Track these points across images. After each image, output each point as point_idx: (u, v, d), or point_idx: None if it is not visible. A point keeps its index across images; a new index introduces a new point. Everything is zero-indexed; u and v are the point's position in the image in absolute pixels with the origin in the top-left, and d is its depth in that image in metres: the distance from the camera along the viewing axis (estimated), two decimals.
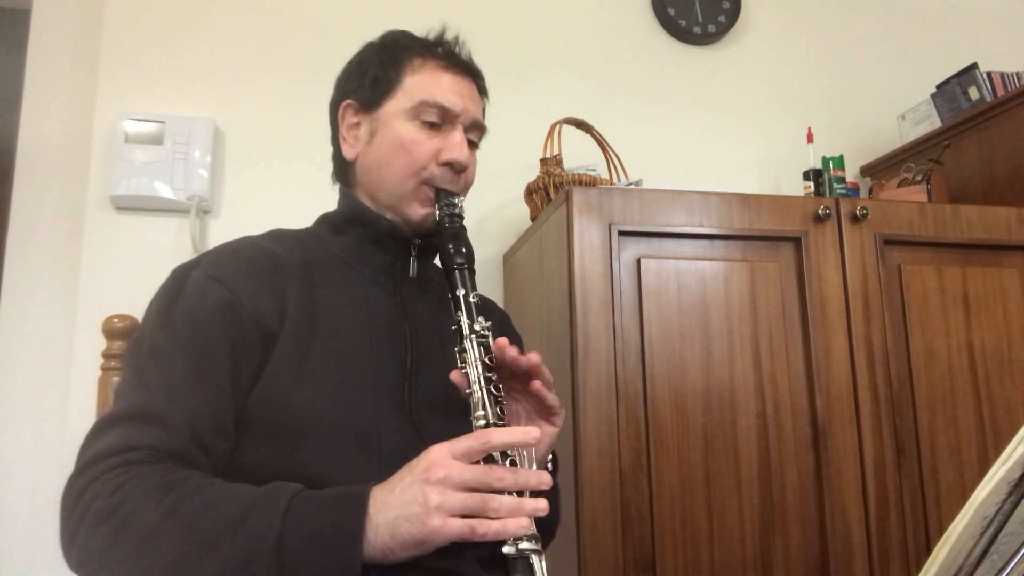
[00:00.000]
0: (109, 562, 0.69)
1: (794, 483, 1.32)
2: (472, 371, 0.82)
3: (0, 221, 1.76)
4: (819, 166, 1.83)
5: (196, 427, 0.77)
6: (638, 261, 1.35)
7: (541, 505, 0.72)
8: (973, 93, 1.84)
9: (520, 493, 0.73)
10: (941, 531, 0.46)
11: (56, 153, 1.72)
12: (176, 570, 0.68)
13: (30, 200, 1.69)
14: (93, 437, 0.77)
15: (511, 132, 1.95)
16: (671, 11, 2.11)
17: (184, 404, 0.77)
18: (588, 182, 1.60)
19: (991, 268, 1.48)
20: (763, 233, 1.40)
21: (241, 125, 1.82)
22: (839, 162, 1.82)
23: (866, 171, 2.11)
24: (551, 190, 1.63)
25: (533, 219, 1.69)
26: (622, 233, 1.35)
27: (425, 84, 0.97)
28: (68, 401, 1.61)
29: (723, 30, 2.13)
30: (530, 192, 1.71)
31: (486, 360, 0.83)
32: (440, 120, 0.96)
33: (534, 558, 0.72)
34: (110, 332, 1.10)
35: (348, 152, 1.00)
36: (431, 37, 1.03)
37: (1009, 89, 1.81)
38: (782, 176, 2.10)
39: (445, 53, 1.01)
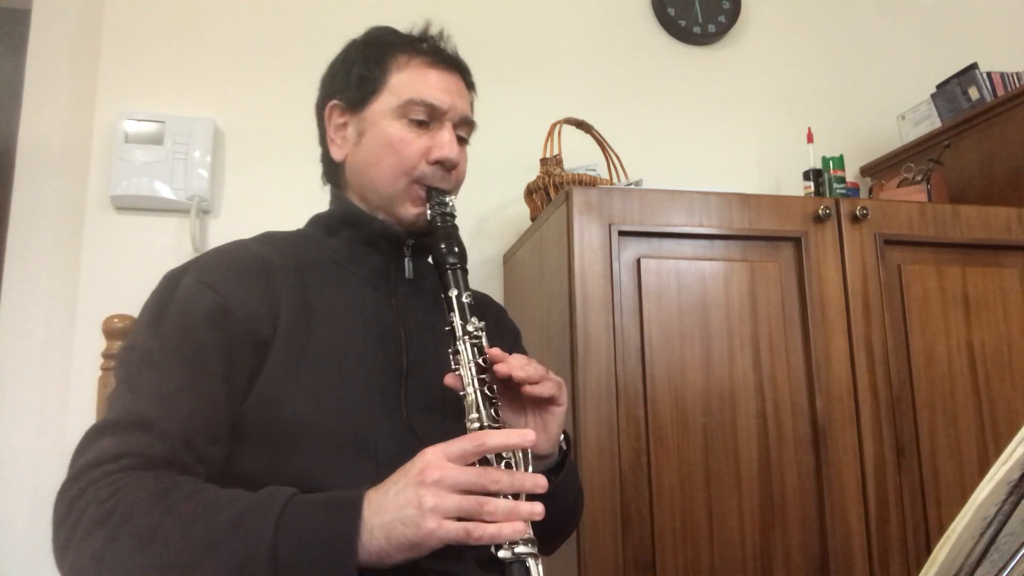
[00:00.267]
0: (102, 569, 0.69)
1: (794, 483, 1.32)
2: (466, 373, 0.81)
3: (0, 221, 1.76)
4: (819, 166, 1.83)
5: (189, 434, 0.77)
6: (638, 261, 1.35)
7: (537, 509, 0.72)
8: (973, 93, 1.84)
9: (516, 496, 0.72)
10: (941, 531, 0.46)
11: (56, 153, 1.72)
12: None
13: (30, 200, 1.69)
14: (86, 444, 0.76)
15: (511, 132, 1.95)
16: (671, 11, 2.11)
17: (177, 411, 0.77)
18: (588, 182, 1.60)
19: (991, 268, 1.48)
20: (763, 233, 1.40)
21: (241, 125, 1.82)
22: (839, 162, 1.82)
23: (866, 171, 2.11)
24: (551, 190, 1.63)
25: (533, 219, 1.69)
26: (622, 233, 1.35)
27: (411, 82, 0.95)
28: (68, 401, 1.61)
29: (723, 30, 2.13)
30: (530, 192, 1.71)
31: (480, 361, 0.82)
32: (428, 118, 0.95)
33: (531, 562, 0.72)
34: (110, 332, 1.10)
35: (336, 153, 0.99)
36: (415, 33, 1.02)
37: (1009, 89, 1.81)
38: (782, 176, 2.10)
39: (430, 49, 0.99)
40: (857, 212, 1.44)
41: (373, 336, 0.91)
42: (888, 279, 1.43)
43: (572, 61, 2.05)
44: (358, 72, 0.97)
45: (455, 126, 0.97)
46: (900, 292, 1.44)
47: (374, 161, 0.95)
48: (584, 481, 1.25)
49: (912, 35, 2.30)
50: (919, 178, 1.76)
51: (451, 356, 0.84)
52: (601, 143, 1.77)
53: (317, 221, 1.02)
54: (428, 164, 0.94)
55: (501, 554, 0.71)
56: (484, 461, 0.74)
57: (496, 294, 1.87)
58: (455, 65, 1.01)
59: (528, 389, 0.85)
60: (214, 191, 1.76)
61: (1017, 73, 1.83)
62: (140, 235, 1.71)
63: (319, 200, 1.08)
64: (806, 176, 1.83)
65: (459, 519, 0.68)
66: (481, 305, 1.05)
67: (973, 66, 1.85)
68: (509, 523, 0.69)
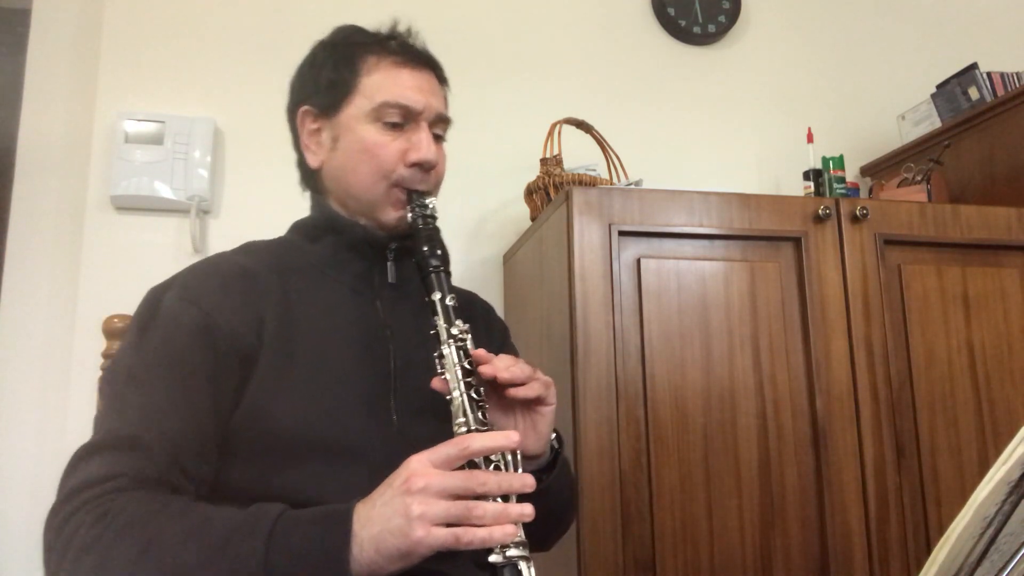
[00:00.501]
0: None
1: (794, 483, 1.32)
2: (452, 376, 0.81)
3: (0, 221, 1.76)
4: (819, 166, 1.83)
5: (176, 452, 0.76)
6: (638, 261, 1.35)
7: (527, 510, 0.71)
8: (973, 93, 1.84)
9: (507, 498, 0.72)
10: (941, 531, 0.46)
11: (56, 153, 1.72)
12: None
13: (30, 200, 1.69)
14: (73, 466, 0.76)
15: (511, 132, 1.95)
16: (671, 11, 2.11)
17: (163, 429, 0.76)
18: (588, 182, 1.60)
19: (991, 268, 1.48)
20: (763, 233, 1.40)
21: (241, 125, 1.81)
22: (839, 162, 1.81)
23: (866, 171, 2.11)
24: (551, 190, 1.63)
25: (533, 219, 1.69)
26: (622, 233, 1.35)
27: (383, 84, 0.94)
28: (68, 401, 1.61)
29: (723, 30, 2.13)
30: (530, 192, 1.71)
31: (465, 364, 0.81)
32: (403, 119, 0.94)
33: (522, 565, 0.71)
34: (110, 332, 1.10)
35: (312, 160, 0.98)
36: (383, 31, 1.00)
37: (1009, 89, 1.81)
38: (782, 176, 2.10)
39: (399, 47, 0.98)
40: (857, 212, 1.44)
41: (359, 342, 0.90)
42: (888, 279, 1.43)
43: (572, 61, 2.05)
44: (327, 76, 0.96)
45: (431, 125, 0.96)
46: (900, 292, 1.44)
47: (351, 167, 0.94)
48: (584, 481, 1.25)
49: (912, 35, 2.29)
50: (919, 178, 1.76)
51: (436, 360, 0.83)
52: (601, 143, 1.77)
53: (299, 228, 1.01)
54: (406, 167, 0.93)
55: (492, 558, 0.70)
56: (473, 464, 0.73)
57: (496, 294, 1.87)
58: (426, 62, 1.00)
59: (513, 391, 0.84)
60: (214, 191, 1.76)
61: (1017, 73, 1.83)
62: (140, 235, 1.71)
63: None
64: (806, 176, 1.83)
65: (448, 525, 0.68)
66: (467, 304, 1.05)
67: (973, 66, 1.85)
68: (499, 526, 0.69)
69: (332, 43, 1.00)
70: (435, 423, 0.85)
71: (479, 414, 0.79)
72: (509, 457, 0.77)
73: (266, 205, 1.78)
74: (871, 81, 2.23)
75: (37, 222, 1.69)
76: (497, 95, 1.97)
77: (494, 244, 1.90)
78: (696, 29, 2.11)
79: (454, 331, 0.83)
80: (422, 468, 0.70)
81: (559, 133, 1.70)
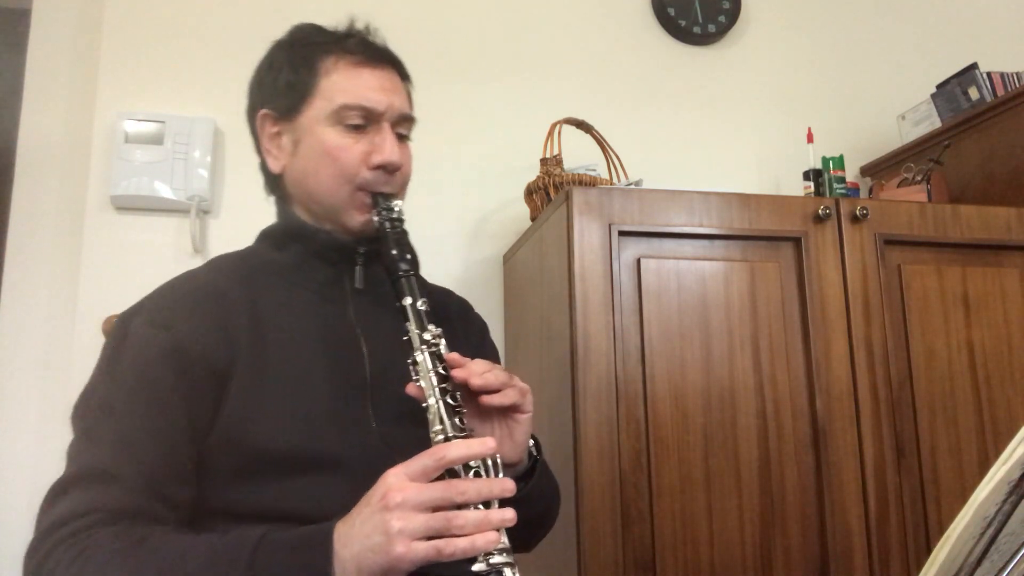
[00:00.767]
0: None
1: (794, 483, 1.32)
2: (427, 383, 0.79)
3: (0, 221, 1.76)
4: (819, 166, 1.83)
5: (153, 480, 0.76)
6: (638, 261, 1.35)
7: (508, 515, 0.70)
8: (973, 93, 1.84)
9: (488, 504, 0.71)
10: (941, 531, 0.46)
11: (56, 153, 1.72)
12: None
13: (30, 200, 1.69)
14: (50, 502, 0.75)
15: (511, 132, 1.95)
16: (671, 11, 2.11)
17: (138, 458, 0.76)
18: (588, 182, 1.60)
19: (991, 268, 1.48)
20: (763, 233, 1.40)
21: (241, 125, 1.79)
22: (839, 162, 1.81)
23: (866, 171, 2.11)
24: (551, 190, 1.63)
25: (533, 219, 1.69)
26: (622, 233, 1.35)
27: (343, 85, 0.92)
28: (68, 401, 1.59)
29: (723, 30, 2.13)
30: (530, 192, 1.71)
31: (439, 370, 0.79)
32: (365, 121, 0.92)
33: (507, 571, 0.70)
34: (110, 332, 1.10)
35: (273, 165, 0.96)
36: (341, 28, 0.98)
37: (1009, 89, 1.81)
38: (782, 176, 2.10)
39: (358, 46, 0.95)
40: (857, 212, 1.44)
41: (333, 351, 0.89)
42: (888, 279, 1.43)
43: (572, 61, 2.05)
44: (285, 79, 0.94)
45: (394, 125, 0.94)
46: (900, 292, 1.44)
47: (313, 171, 0.92)
48: (584, 481, 1.25)
49: (912, 35, 2.29)
50: (919, 178, 1.76)
51: (411, 367, 0.81)
52: (601, 143, 1.77)
53: (266, 236, 0.99)
54: (369, 169, 0.91)
55: (476, 567, 0.69)
56: (453, 473, 0.72)
57: (496, 294, 1.87)
58: (386, 59, 0.97)
59: (487, 399, 0.82)
60: (214, 191, 1.76)
61: (1017, 73, 1.83)
62: (140, 235, 1.71)
63: None
64: (806, 176, 1.83)
65: (430, 538, 0.67)
66: (442, 303, 1.03)
67: (973, 66, 1.85)
68: (481, 534, 0.67)
69: (289, 44, 0.98)
70: (416, 427, 0.83)
71: (456, 420, 0.77)
72: (489, 462, 0.75)
73: (266, 205, 1.78)
74: (871, 81, 2.23)
75: (37, 222, 1.69)
76: (497, 95, 1.97)
77: (494, 244, 1.90)
78: (696, 29, 2.11)
79: (427, 336, 0.81)
80: (399, 482, 0.68)
81: (559, 133, 1.70)
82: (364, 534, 0.67)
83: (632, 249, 1.36)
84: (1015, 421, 1.43)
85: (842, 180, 1.81)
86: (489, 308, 1.84)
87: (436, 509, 0.68)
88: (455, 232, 1.88)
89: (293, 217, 0.96)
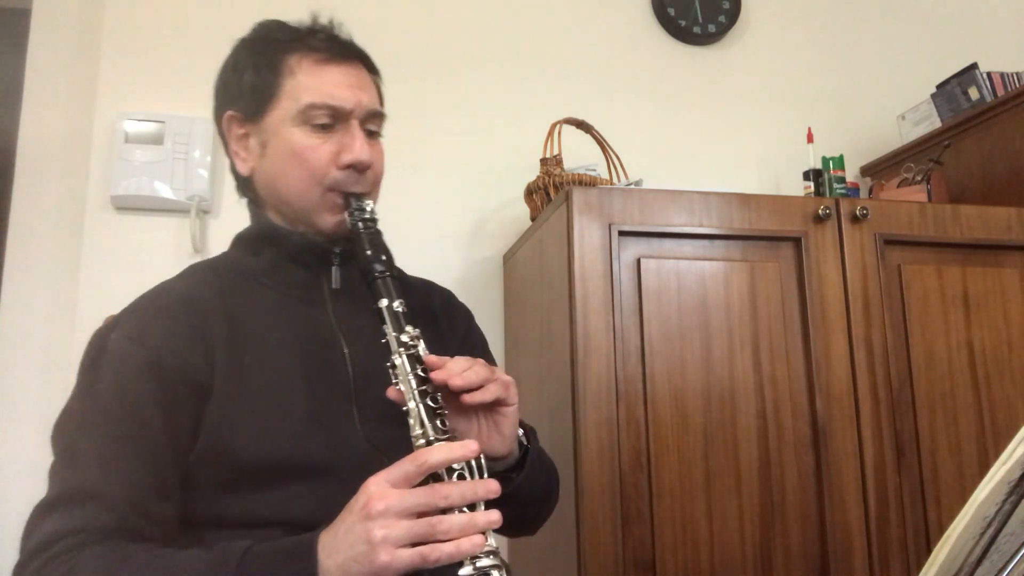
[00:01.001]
0: None
1: (794, 483, 1.32)
2: (406, 386, 0.78)
3: (0, 221, 1.76)
4: (819, 166, 1.83)
5: (136, 497, 0.75)
6: (638, 261, 1.35)
7: (493, 517, 0.69)
8: (973, 93, 1.84)
9: (474, 507, 0.70)
10: (941, 531, 0.46)
11: (56, 153, 1.72)
12: None
13: (30, 200, 1.69)
14: (33, 525, 0.75)
15: (511, 132, 1.95)
16: (671, 11, 2.11)
17: (120, 476, 0.75)
18: (588, 182, 1.60)
19: (991, 268, 1.48)
20: (763, 233, 1.40)
21: None
22: (839, 162, 1.81)
23: (866, 171, 2.11)
24: (551, 190, 1.63)
25: (533, 219, 1.69)
26: (622, 233, 1.35)
27: (308, 84, 0.89)
28: None
29: (723, 30, 2.13)
30: (530, 192, 1.71)
31: (418, 372, 0.78)
32: (332, 120, 0.89)
33: (494, 574, 0.69)
34: None
35: (242, 167, 0.94)
36: (305, 24, 0.95)
37: (1009, 89, 1.81)
38: (782, 176, 2.10)
39: (323, 42, 0.92)
40: (857, 212, 1.44)
41: (314, 355, 0.88)
42: (888, 279, 1.43)
43: (572, 61, 2.05)
44: (249, 80, 0.92)
45: (363, 122, 0.91)
46: (900, 292, 1.44)
47: (281, 173, 0.90)
48: (584, 481, 1.25)
49: (912, 35, 2.29)
50: (919, 178, 1.76)
51: (390, 370, 0.80)
52: (601, 143, 1.77)
53: (240, 241, 0.97)
54: (339, 169, 0.89)
55: (462, 572, 0.68)
56: (436, 477, 0.71)
57: (496, 294, 1.87)
58: (352, 54, 0.95)
59: (469, 397, 0.80)
60: (214, 191, 1.76)
61: (1017, 73, 1.83)
62: (140, 235, 1.71)
63: None
64: (806, 176, 1.83)
65: (415, 544, 0.66)
66: (425, 296, 1.02)
67: (973, 66, 1.85)
68: (467, 538, 0.66)
69: (252, 42, 0.95)
70: (403, 428, 0.81)
71: (437, 422, 0.76)
72: (473, 463, 0.74)
73: None
74: (871, 81, 2.23)
75: (37, 222, 1.69)
76: (497, 95, 1.97)
77: (494, 244, 1.90)
78: (696, 29, 2.11)
79: (404, 338, 0.80)
80: (380, 490, 0.67)
81: (559, 133, 1.70)
82: (348, 544, 0.67)
83: (632, 249, 1.36)
84: (1015, 421, 1.43)
85: (842, 180, 1.81)
86: (489, 308, 1.84)
87: (420, 515, 0.67)
88: (455, 232, 1.88)
89: (266, 220, 0.94)
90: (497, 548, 0.71)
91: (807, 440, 1.35)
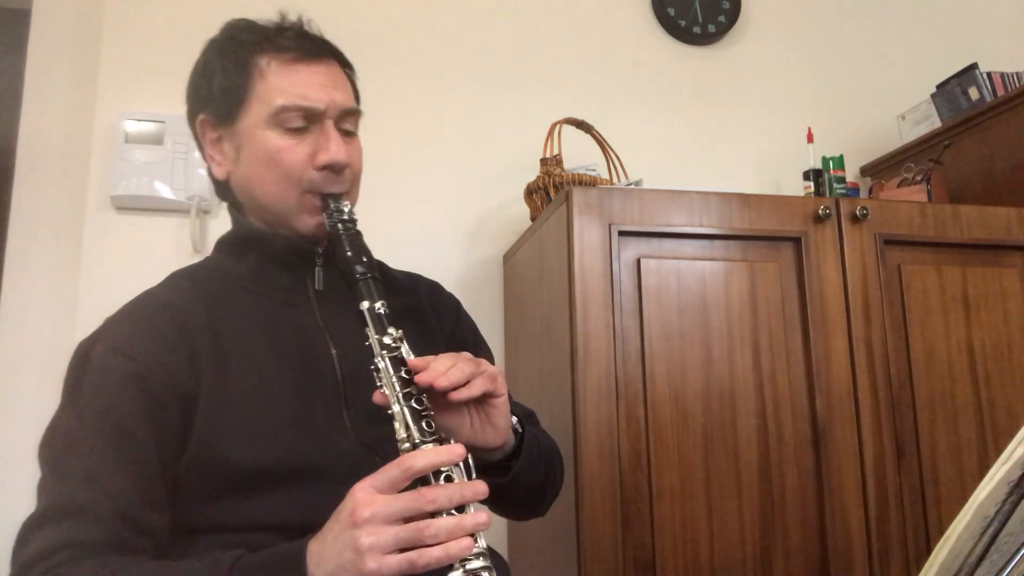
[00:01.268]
0: None
1: (794, 483, 1.32)
2: (389, 389, 0.76)
3: (0, 221, 1.75)
4: (819, 166, 1.83)
5: (125, 510, 0.75)
6: (638, 261, 1.35)
7: (481, 519, 0.68)
8: (973, 93, 1.84)
9: (463, 508, 0.69)
10: (941, 531, 0.46)
11: (56, 153, 1.71)
12: None
13: (30, 200, 1.69)
14: (22, 540, 0.74)
15: (511, 132, 1.95)
16: (671, 11, 2.11)
17: (108, 489, 0.75)
18: (588, 182, 1.60)
19: (991, 268, 1.48)
20: (763, 233, 1.40)
21: None
22: (839, 162, 1.82)
23: (866, 171, 2.11)
24: (551, 190, 1.63)
25: (533, 219, 1.69)
26: (622, 233, 1.35)
27: (280, 86, 0.88)
28: None
29: (723, 30, 2.13)
30: (530, 192, 1.71)
31: (402, 374, 0.77)
32: (306, 122, 0.88)
33: None
34: None
35: (218, 171, 0.93)
36: (274, 23, 0.93)
37: (1009, 89, 1.81)
38: (782, 176, 2.10)
39: (292, 41, 0.91)
40: (857, 212, 1.44)
41: (301, 358, 0.87)
42: (888, 279, 1.43)
43: (572, 61, 2.05)
44: (219, 84, 0.91)
45: (337, 121, 0.90)
46: (900, 292, 1.44)
47: (257, 177, 0.89)
48: (584, 481, 1.25)
49: (912, 35, 2.29)
50: (919, 178, 1.76)
51: (374, 373, 0.78)
52: (601, 143, 1.77)
53: (222, 245, 0.96)
54: (315, 170, 0.88)
55: (452, 575, 0.68)
56: (424, 480, 0.70)
57: (496, 294, 1.87)
58: (324, 51, 0.93)
59: (455, 395, 0.78)
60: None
61: (1017, 73, 1.83)
62: (140, 235, 1.71)
63: None
64: (806, 176, 1.83)
65: (403, 550, 0.65)
66: (411, 290, 1.02)
67: (973, 66, 1.85)
68: (455, 541, 0.66)
69: (220, 44, 0.94)
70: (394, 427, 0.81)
71: (423, 424, 0.74)
72: (461, 464, 0.73)
73: None
74: (871, 81, 2.23)
75: (37, 222, 1.68)
76: (497, 95, 1.97)
77: (494, 244, 1.90)
78: (696, 29, 2.11)
79: (386, 340, 0.78)
80: (366, 496, 0.67)
81: (559, 133, 1.70)
82: (336, 551, 0.66)
83: (632, 249, 1.36)
84: (1015, 421, 1.43)
85: (842, 180, 1.81)
86: (489, 308, 1.84)
87: (408, 520, 0.67)
88: (455, 232, 1.88)
89: (247, 224, 0.93)
90: (487, 550, 0.71)
91: (807, 440, 1.35)
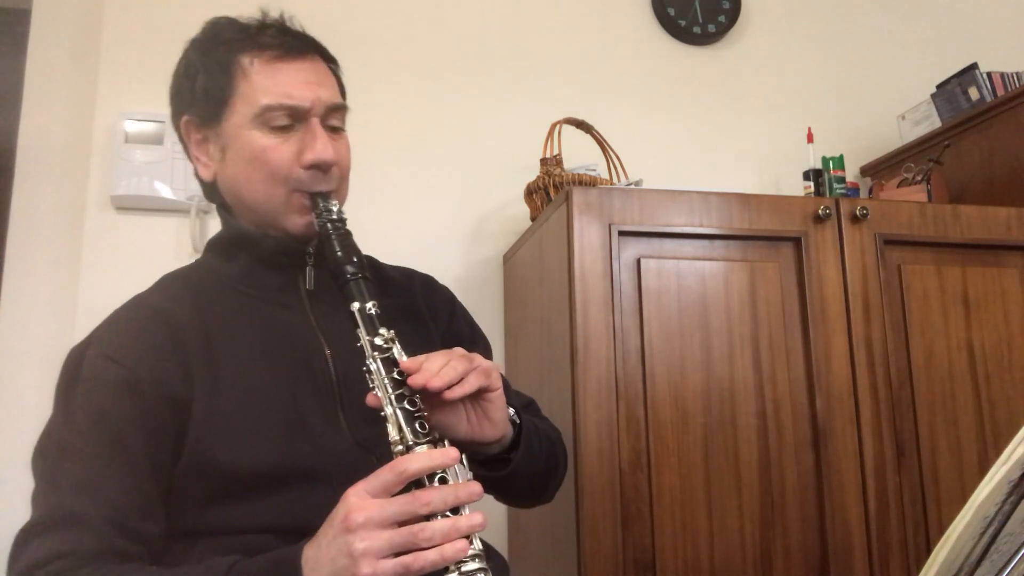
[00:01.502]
0: None
1: (794, 483, 1.32)
2: (382, 391, 0.75)
3: (0, 221, 1.75)
4: (819, 166, 1.83)
5: (119, 518, 0.74)
6: (638, 261, 1.35)
7: (476, 521, 0.68)
8: (973, 93, 1.84)
9: (458, 510, 0.68)
10: (941, 531, 0.46)
11: (56, 153, 1.71)
12: None
13: (30, 200, 1.69)
14: (17, 551, 0.74)
15: (511, 132, 1.95)
16: (671, 11, 2.11)
17: (101, 498, 0.74)
18: (588, 182, 1.60)
19: (991, 268, 1.48)
20: (763, 233, 1.40)
21: None
22: (839, 162, 1.82)
23: (866, 171, 2.11)
24: (551, 190, 1.63)
25: (533, 219, 1.69)
26: (622, 233, 1.35)
27: (263, 85, 0.86)
28: None
29: (723, 30, 2.13)
30: (530, 192, 1.71)
31: (394, 375, 0.76)
32: (291, 120, 0.87)
33: None
34: None
35: (204, 172, 0.92)
36: (255, 20, 0.92)
37: (1009, 89, 1.81)
38: (782, 176, 2.10)
39: (274, 38, 0.89)
40: (857, 212, 1.44)
41: (295, 360, 0.86)
42: (888, 279, 1.43)
43: (572, 61, 2.05)
44: (202, 85, 0.90)
45: (323, 118, 0.89)
46: (900, 292, 1.44)
47: (244, 177, 0.88)
48: (584, 481, 1.25)
49: (912, 35, 2.29)
50: (919, 178, 1.76)
51: (367, 375, 0.77)
52: (601, 143, 1.77)
53: (213, 247, 0.95)
54: (303, 169, 0.87)
55: None
56: (418, 483, 0.69)
57: (496, 294, 1.87)
58: (307, 48, 0.91)
59: (449, 394, 0.76)
60: None
61: (1017, 73, 1.83)
62: (140, 235, 1.71)
63: None
64: (806, 176, 1.83)
65: (398, 554, 0.65)
66: (405, 287, 1.01)
67: (973, 66, 1.85)
68: (450, 544, 0.65)
69: (202, 43, 0.93)
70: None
71: (416, 425, 0.73)
72: (456, 466, 0.72)
73: None
74: (871, 81, 2.23)
75: (37, 222, 1.68)
76: (497, 95, 1.97)
77: (494, 244, 1.90)
78: (696, 29, 2.11)
79: (378, 341, 0.78)
80: (360, 501, 0.66)
81: (559, 133, 1.70)
82: (330, 557, 0.66)
83: (632, 249, 1.36)
84: (1015, 421, 1.43)
85: (842, 180, 1.81)
86: (489, 308, 1.84)
87: (402, 523, 0.66)
88: (455, 232, 1.88)
89: (236, 226, 0.92)
90: (485, 550, 0.71)
91: (807, 440, 1.35)
